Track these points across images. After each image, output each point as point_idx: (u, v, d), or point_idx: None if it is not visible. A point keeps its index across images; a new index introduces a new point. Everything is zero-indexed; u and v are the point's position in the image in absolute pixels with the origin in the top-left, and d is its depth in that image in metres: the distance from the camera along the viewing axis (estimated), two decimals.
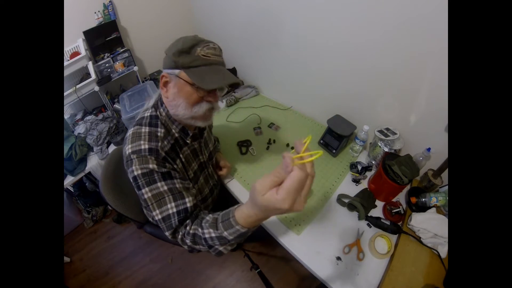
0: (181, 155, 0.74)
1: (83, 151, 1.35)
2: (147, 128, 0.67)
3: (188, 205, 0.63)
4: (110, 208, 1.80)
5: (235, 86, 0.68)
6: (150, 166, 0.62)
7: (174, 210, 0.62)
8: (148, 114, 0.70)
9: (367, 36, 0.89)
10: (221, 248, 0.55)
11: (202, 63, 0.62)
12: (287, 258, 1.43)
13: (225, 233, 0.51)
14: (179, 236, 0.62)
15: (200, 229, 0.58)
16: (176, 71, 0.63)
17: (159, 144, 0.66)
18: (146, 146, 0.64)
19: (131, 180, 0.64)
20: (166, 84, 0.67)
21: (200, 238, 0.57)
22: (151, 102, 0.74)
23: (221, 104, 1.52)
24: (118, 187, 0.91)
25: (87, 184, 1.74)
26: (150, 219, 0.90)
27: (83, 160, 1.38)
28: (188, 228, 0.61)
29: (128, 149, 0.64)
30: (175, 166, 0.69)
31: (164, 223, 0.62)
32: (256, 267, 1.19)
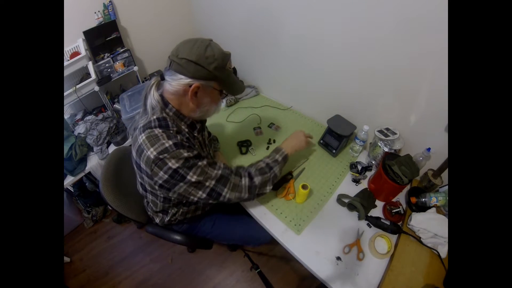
0: (196, 146, 0.76)
1: (83, 151, 1.35)
2: (159, 129, 0.67)
3: (222, 165, 0.75)
4: (110, 208, 1.80)
5: None
6: (185, 154, 0.65)
7: (220, 170, 0.72)
8: (155, 117, 0.70)
9: (367, 36, 0.89)
10: (276, 171, 0.83)
11: (229, 74, 0.72)
12: (287, 258, 1.43)
13: (277, 156, 0.87)
14: (242, 183, 0.76)
15: (261, 163, 0.84)
16: (212, 82, 0.69)
17: (178, 138, 0.68)
18: (170, 143, 0.65)
19: (169, 177, 0.65)
20: (196, 94, 0.69)
21: (263, 168, 0.81)
22: (149, 105, 0.72)
23: (221, 104, 1.52)
24: (119, 187, 0.91)
25: (87, 184, 1.74)
26: (197, 197, 0.77)
27: (83, 160, 1.38)
28: (251, 170, 0.80)
29: (151, 153, 0.63)
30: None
31: (223, 179, 0.72)
32: (256, 267, 1.19)
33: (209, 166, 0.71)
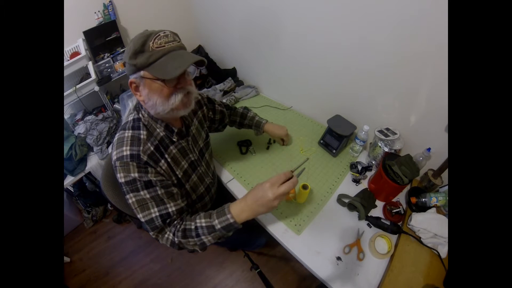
0: (166, 155, 0.73)
1: (83, 151, 1.35)
2: (130, 131, 0.69)
3: (170, 210, 0.68)
4: (110, 208, 1.80)
5: (201, 64, 0.65)
6: (132, 175, 0.65)
7: (157, 214, 0.67)
8: (132, 117, 0.72)
9: (367, 36, 0.89)
10: (205, 240, 0.66)
11: (158, 55, 0.60)
12: (287, 258, 1.43)
13: (216, 221, 0.65)
14: (166, 236, 0.69)
15: (192, 223, 0.67)
16: (140, 73, 0.63)
17: (141, 148, 0.67)
18: (128, 152, 0.65)
19: (119, 185, 0.68)
20: (137, 89, 0.67)
21: (190, 230, 0.67)
22: (130, 106, 0.75)
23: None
24: (119, 187, 0.90)
25: (87, 184, 1.74)
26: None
27: (83, 160, 1.38)
28: (178, 226, 0.68)
29: (113, 155, 0.67)
30: (158, 169, 0.69)
31: (148, 225, 0.69)
32: (256, 267, 1.19)
33: (152, 201, 0.66)
